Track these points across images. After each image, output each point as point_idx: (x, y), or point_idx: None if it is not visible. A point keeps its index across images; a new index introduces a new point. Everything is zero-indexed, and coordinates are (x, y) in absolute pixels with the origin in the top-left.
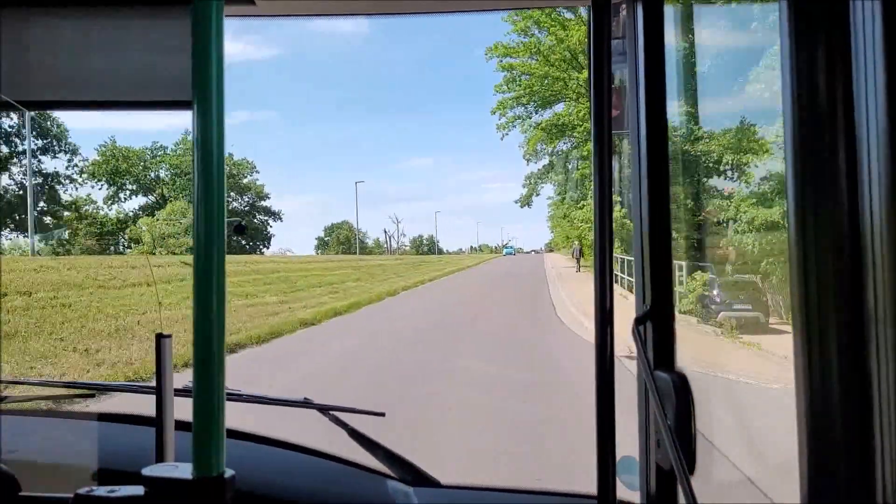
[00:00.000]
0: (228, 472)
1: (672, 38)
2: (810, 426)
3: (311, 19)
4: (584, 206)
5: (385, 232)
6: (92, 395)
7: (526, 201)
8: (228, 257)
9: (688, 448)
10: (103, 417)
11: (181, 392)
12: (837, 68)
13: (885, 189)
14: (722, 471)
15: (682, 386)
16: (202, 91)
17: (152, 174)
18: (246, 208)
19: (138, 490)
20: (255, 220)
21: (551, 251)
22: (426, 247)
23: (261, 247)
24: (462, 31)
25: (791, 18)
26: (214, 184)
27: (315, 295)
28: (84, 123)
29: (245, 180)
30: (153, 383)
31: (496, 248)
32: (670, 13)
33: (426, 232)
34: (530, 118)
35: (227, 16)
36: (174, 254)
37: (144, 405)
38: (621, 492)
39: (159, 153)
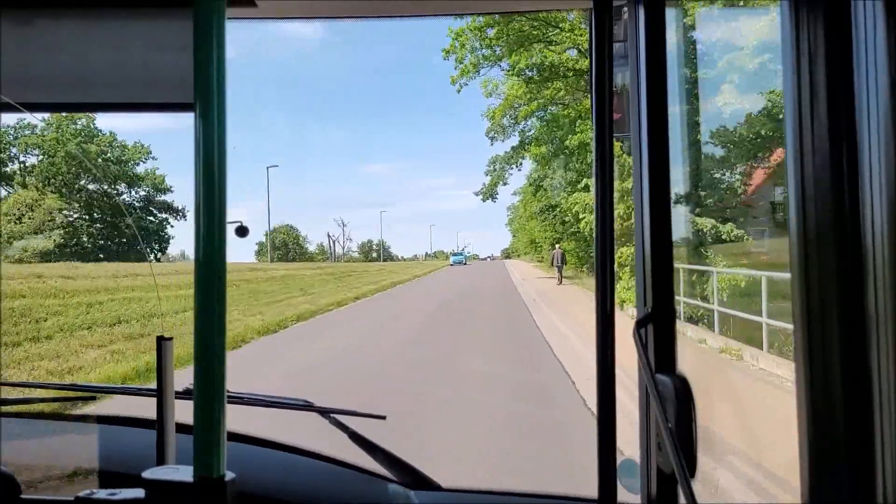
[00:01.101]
0: (229, 475)
1: (674, 41)
2: (811, 426)
3: (311, 21)
4: (587, 184)
5: (329, 236)
6: (93, 398)
7: (489, 192)
8: (40, 267)
9: (689, 451)
10: (104, 420)
11: (182, 395)
12: (838, 68)
13: (885, 188)
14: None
15: (682, 389)
16: (203, 93)
17: (14, 159)
18: (139, 204)
19: (139, 493)
20: (150, 220)
21: (508, 257)
22: (376, 252)
23: (155, 251)
24: (420, 38)
25: (792, 19)
26: (216, 185)
27: (76, 348)
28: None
29: (139, 169)
30: (154, 386)
31: (451, 254)
32: (672, 16)
33: (381, 237)
34: (500, 62)
35: (228, 18)
36: (21, 261)
37: (145, 408)
38: (622, 495)
39: (24, 133)
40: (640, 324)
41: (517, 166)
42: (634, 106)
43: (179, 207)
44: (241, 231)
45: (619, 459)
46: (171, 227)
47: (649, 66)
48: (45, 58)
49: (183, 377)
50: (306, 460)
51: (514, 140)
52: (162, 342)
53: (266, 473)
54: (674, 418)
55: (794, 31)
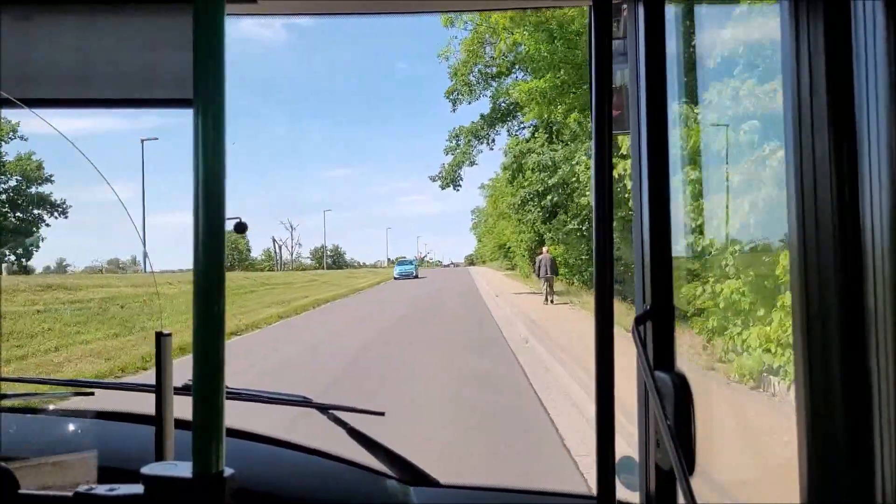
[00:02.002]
0: (228, 471)
1: (673, 38)
2: (811, 426)
3: (311, 18)
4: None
5: (274, 241)
6: (91, 394)
7: (450, 176)
8: None
9: (687, 448)
10: (103, 415)
11: (181, 390)
12: (838, 68)
13: (885, 187)
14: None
15: (681, 386)
16: (203, 89)
17: None
18: (4, 197)
19: (138, 488)
20: (20, 216)
21: (472, 264)
22: (330, 258)
23: (21, 257)
24: (385, 42)
25: (793, 19)
26: (215, 182)
27: None
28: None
29: (6, 150)
30: (153, 381)
31: (395, 262)
32: (671, 13)
33: (339, 242)
34: None
35: (228, 14)
36: None
37: (144, 403)
38: (621, 492)
39: None
40: (639, 320)
41: (487, 143)
42: (634, 102)
43: (59, 201)
44: (240, 227)
45: (618, 457)
46: (47, 225)
47: (649, 63)
48: (45, 53)
49: (182, 371)
50: (306, 456)
51: (485, 101)
52: (161, 337)
53: (265, 469)
54: (672, 415)
55: (794, 30)
